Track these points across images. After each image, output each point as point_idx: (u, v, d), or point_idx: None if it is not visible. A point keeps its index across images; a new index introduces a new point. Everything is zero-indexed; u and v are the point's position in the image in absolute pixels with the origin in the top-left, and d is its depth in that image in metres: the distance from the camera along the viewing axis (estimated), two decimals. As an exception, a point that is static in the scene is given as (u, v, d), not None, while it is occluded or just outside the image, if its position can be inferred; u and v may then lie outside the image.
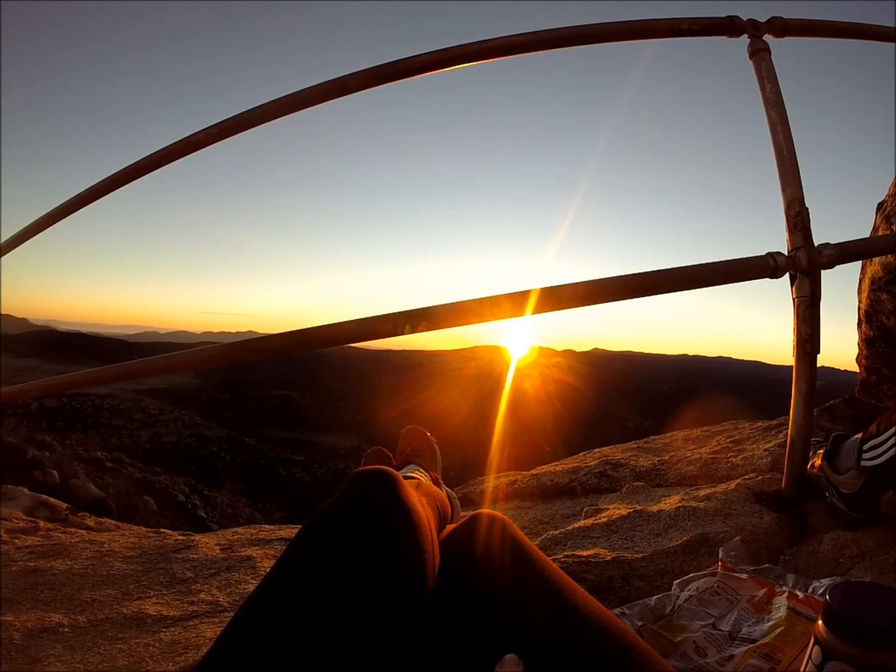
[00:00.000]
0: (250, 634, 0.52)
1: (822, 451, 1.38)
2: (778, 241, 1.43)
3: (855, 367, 2.09)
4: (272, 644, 0.50)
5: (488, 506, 2.14)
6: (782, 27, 1.58)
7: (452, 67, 1.55)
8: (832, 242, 1.33)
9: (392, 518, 0.67)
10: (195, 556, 1.65)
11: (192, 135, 1.70)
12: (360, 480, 0.72)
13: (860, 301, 1.95)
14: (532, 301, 1.12)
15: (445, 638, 0.59)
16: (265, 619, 0.54)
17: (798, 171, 1.43)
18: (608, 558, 1.26)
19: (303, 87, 1.59)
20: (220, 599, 1.40)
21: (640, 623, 0.97)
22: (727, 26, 1.58)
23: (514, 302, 1.13)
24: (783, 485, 1.47)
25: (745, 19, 1.57)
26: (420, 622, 0.58)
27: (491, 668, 0.47)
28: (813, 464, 1.41)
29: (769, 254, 1.32)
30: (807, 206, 1.38)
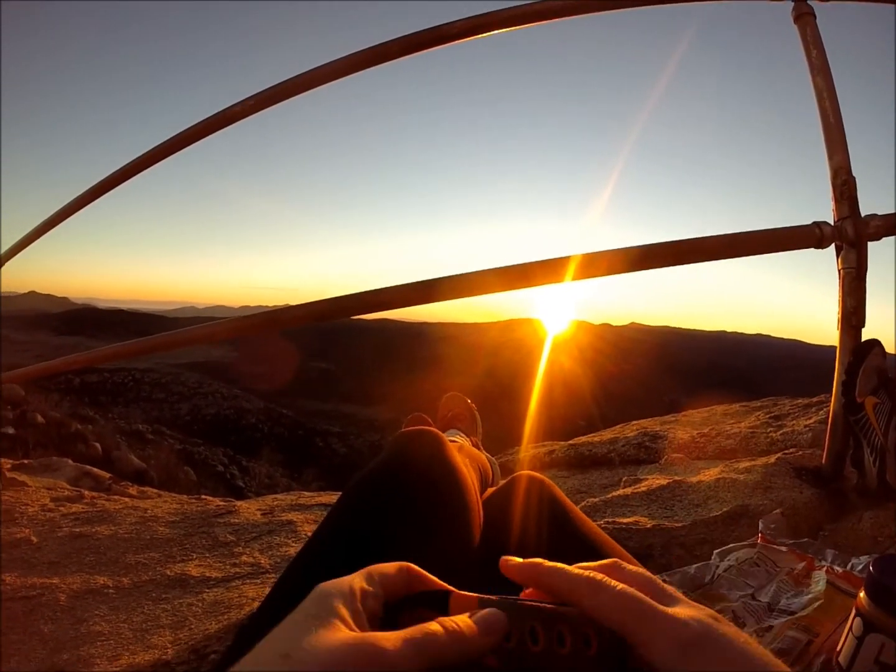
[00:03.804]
0: (298, 591, 0.54)
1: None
2: (824, 211, 1.39)
3: None
4: None
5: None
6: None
7: (490, 33, 1.53)
8: (880, 213, 1.30)
9: (438, 475, 0.68)
10: (237, 521, 1.69)
11: (229, 107, 1.71)
12: (405, 439, 0.73)
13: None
14: (570, 268, 1.11)
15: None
16: (313, 576, 0.55)
17: (844, 139, 1.38)
18: (648, 526, 1.26)
19: (342, 55, 1.58)
20: (262, 562, 1.43)
21: (679, 591, 0.97)
22: (771, -11, 1.52)
23: (550, 268, 1.12)
24: (824, 460, 1.45)
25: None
26: (467, 576, 0.58)
27: None
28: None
29: (815, 223, 1.29)
30: (854, 175, 1.34)
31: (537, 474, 0.76)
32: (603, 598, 0.35)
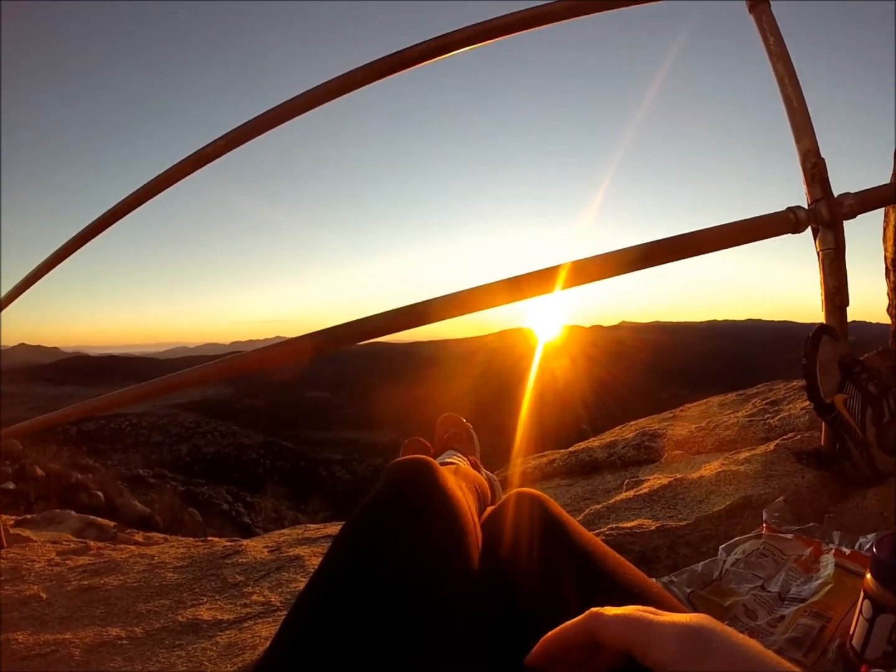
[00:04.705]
0: (304, 629, 0.54)
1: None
2: (797, 195, 1.40)
3: (886, 319, 2.05)
4: (326, 635, 0.51)
5: (529, 486, 2.15)
6: (777, -25, 1.54)
7: (454, 52, 1.54)
8: (852, 192, 1.31)
9: (431, 504, 0.68)
10: (244, 560, 1.68)
11: (202, 148, 1.71)
12: (397, 471, 0.73)
13: (886, 249, 1.91)
14: (560, 277, 1.12)
15: (493, 614, 0.60)
16: (317, 613, 0.55)
17: (810, 123, 1.40)
18: (652, 528, 1.26)
19: (308, 88, 1.59)
20: (273, 599, 1.43)
21: (688, 590, 0.97)
22: (721, -18, 1.55)
23: (541, 279, 1.13)
24: (822, 442, 1.46)
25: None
26: (468, 600, 0.59)
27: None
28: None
29: (789, 209, 1.30)
30: (822, 157, 1.36)
31: (532, 491, 0.76)
32: (603, 619, 0.40)
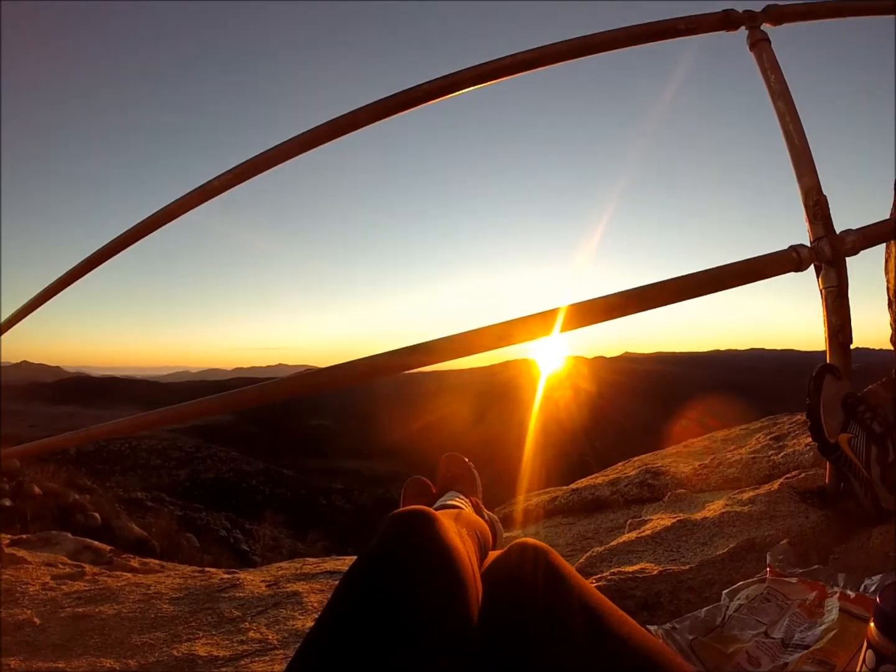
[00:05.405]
0: None
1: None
2: (800, 233, 1.40)
3: (889, 346, 2.04)
4: None
5: (531, 524, 2.13)
6: (779, 15, 1.55)
7: (460, 91, 1.57)
8: (854, 228, 1.31)
9: (431, 558, 0.68)
10: (241, 595, 1.67)
11: (208, 182, 1.74)
12: (396, 523, 0.73)
13: (888, 281, 1.91)
14: (558, 320, 1.12)
15: (492, 668, 0.60)
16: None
17: (812, 160, 1.41)
18: (655, 572, 1.25)
19: (317, 124, 1.62)
20: (270, 637, 1.41)
21: (690, 637, 0.96)
22: (724, 21, 1.55)
23: (540, 322, 1.13)
24: (827, 480, 1.44)
25: (741, 11, 1.55)
26: (464, 655, 0.58)
27: None
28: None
29: (792, 247, 1.30)
30: (825, 193, 1.36)
31: (536, 542, 0.76)
32: None
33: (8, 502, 7.43)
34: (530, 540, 0.77)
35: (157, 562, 2.56)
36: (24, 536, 2.89)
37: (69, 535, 2.98)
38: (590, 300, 1.16)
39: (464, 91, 1.58)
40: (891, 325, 2.00)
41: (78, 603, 1.67)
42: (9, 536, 2.68)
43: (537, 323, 1.14)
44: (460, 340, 1.14)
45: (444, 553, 0.69)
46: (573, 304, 1.14)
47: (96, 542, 2.98)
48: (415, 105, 1.57)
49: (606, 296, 1.16)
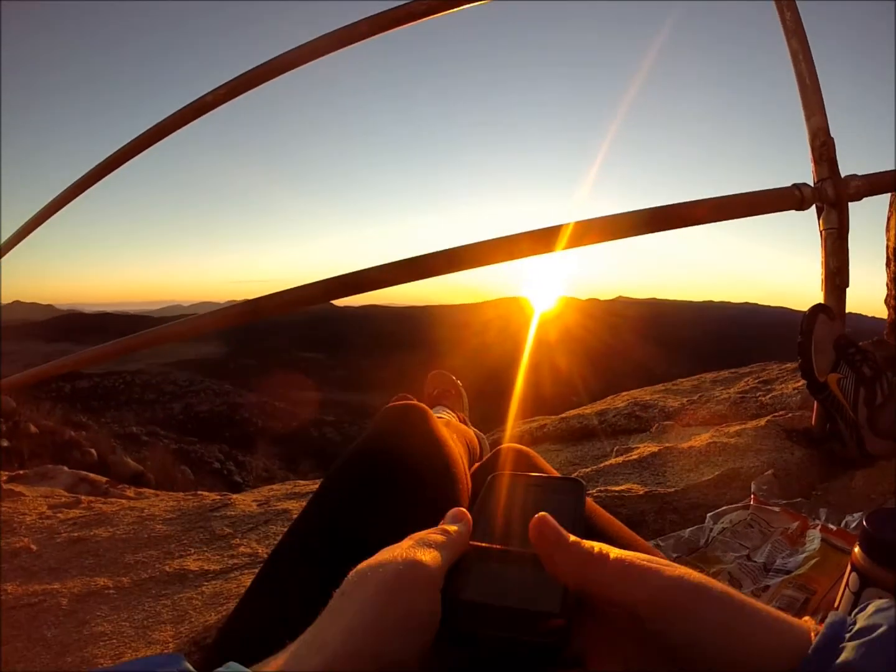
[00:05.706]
0: (282, 575, 0.53)
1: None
2: (803, 173, 1.39)
3: (883, 313, 2.03)
4: (305, 582, 0.51)
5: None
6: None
7: (459, 8, 1.51)
8: (859, 174, 1.30)
9: (425, 448, 0.67)
10: (233, 513, 1.69)
11: (202, 97, 1.69)
12: (390, 415, 0.72)
13: (888, 239, 1.89)
14: (562, 237, 1.11)
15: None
16: (299, 558, 0.54)
17: (822, 100, 1.38)
18: (640, 493, 1.27)
19: (311, 38, 1.56)
20: (259, 551, 1.44)
21: (674, 555, 0.98)
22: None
23: (542, 238, 1.12)
24: (813, 421, 1.46)
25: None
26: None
27: None
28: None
29: (795, 185, 1.29)
30: (832, 136, 1.34)
31: (522, 447, 0.76)
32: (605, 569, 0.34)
33: (5, 442, 7.47)
34: (514, 444, 0.76)
35: (151, 491, 2.59)
36: (22, 472, 2.91)
37: (65, 468, 3.00)
38: (592, 219, 1.14)
39: (471, 5, 1.52)
40: (887, 284, 1.99)
41: (73, 528, 1.69)
42: (6, 473, 2.70)
43: (540, 239, 1.12)
44: (457, 254, 1.12)
45: (438, 446, 0.69)
46: (577, 222, 1.12)
47: (92, 475, 3.00)
48: (421, 17, 1.52)
49: (609, 216, 1.14)
